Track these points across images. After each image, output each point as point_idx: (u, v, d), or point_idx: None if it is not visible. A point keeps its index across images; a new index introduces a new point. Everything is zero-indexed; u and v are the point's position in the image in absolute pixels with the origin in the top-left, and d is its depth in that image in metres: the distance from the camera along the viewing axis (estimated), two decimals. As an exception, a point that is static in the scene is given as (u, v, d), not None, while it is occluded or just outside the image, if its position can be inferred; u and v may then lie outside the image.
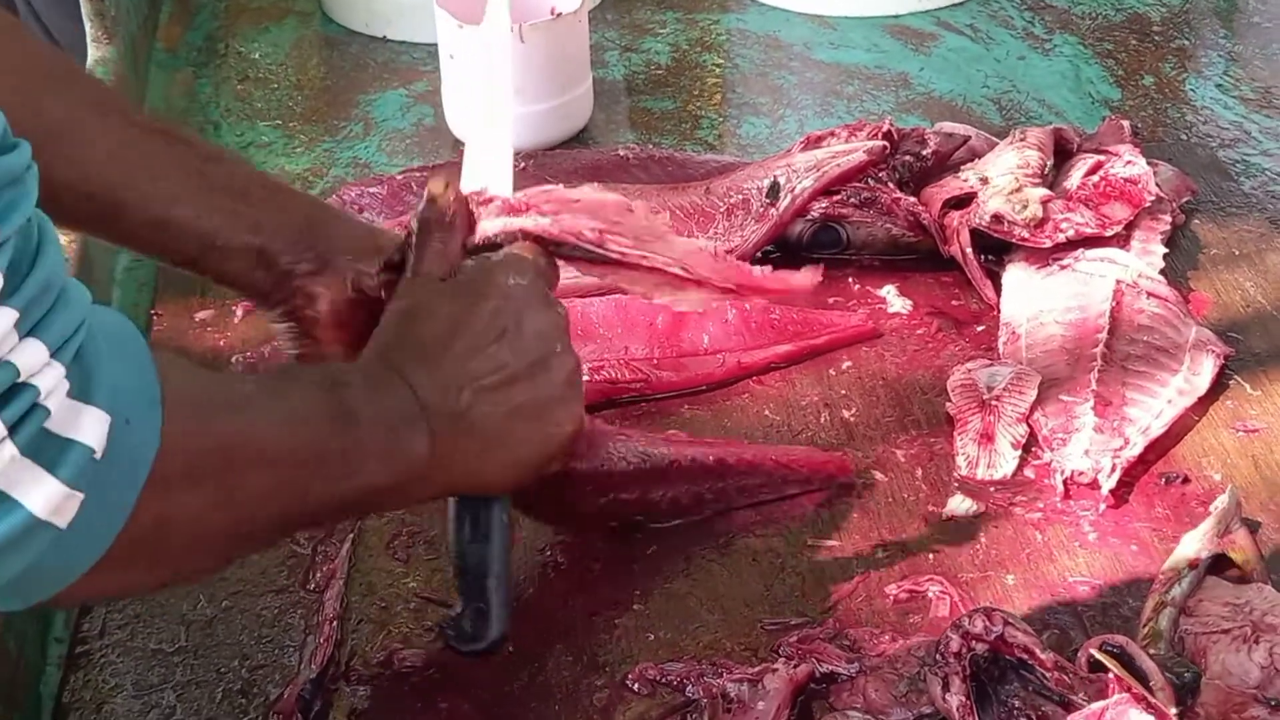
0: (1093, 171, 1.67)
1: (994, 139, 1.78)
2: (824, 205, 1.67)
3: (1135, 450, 1.39)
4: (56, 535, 0.78)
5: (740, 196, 1.69)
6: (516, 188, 1.71)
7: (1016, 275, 1.62)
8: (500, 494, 1.16)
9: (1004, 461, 1.39)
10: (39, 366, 0.76)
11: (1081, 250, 1.60)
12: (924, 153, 1.71)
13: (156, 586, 1.01)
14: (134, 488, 0.82)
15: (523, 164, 1.79)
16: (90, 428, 0.78)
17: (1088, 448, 1.38)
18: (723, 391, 1.52)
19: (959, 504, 1.36)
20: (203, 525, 0.90)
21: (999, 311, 1.59)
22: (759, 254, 1.69)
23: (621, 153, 1.81)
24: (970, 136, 1.76)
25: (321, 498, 0.98)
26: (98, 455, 0.78)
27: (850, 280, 1.67)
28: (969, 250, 1.62)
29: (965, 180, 1.68)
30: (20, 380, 0.75)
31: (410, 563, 1.32)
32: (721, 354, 1.53)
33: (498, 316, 1.11)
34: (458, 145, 1.98)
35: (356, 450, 0.99)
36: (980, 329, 1.59)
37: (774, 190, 1.67)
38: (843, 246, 1.69)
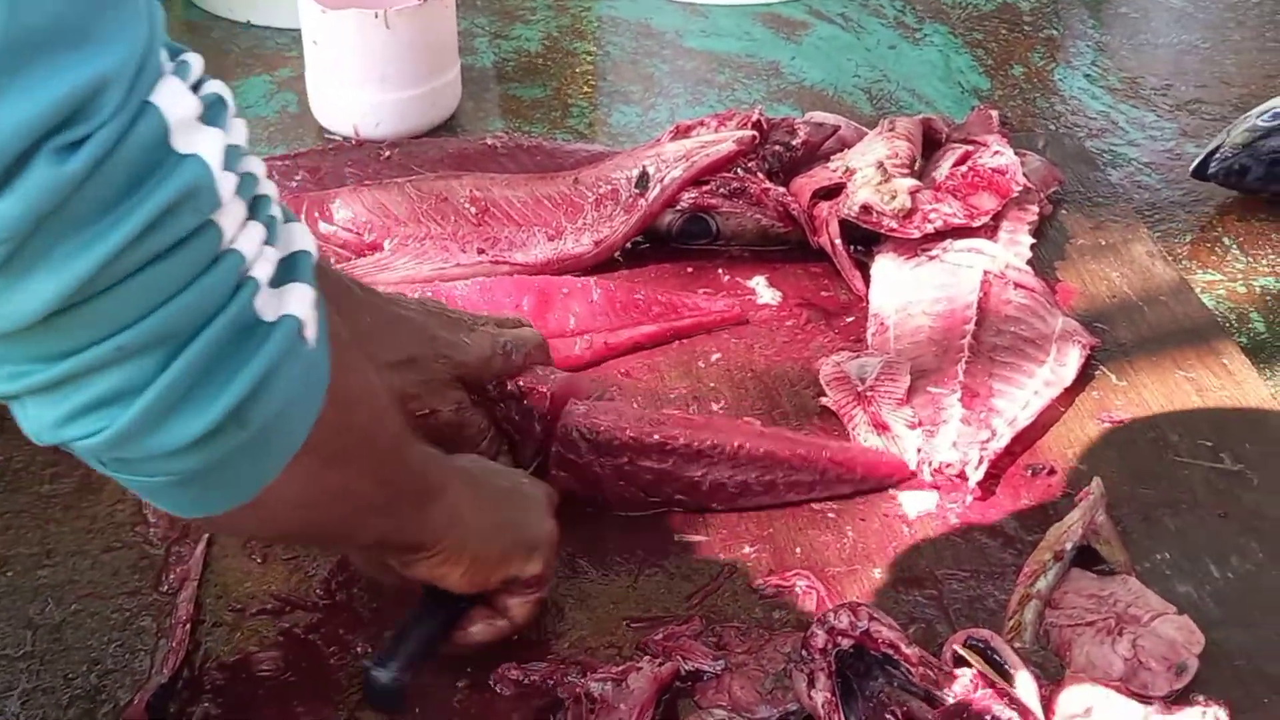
0: (961, 162, 1.67)
1: (864, 129, 1.77)
2: (693, 195, 1.66)
3: (1002, 442, 1.39)
4: (308, 354, 0.84)
5: (609, 187, 1.67)
6: (381, 177, 1.71)
7: (885, 266, 1.62)
8: (464, 593, 1.16)
9: (908, 444, 1.39)
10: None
11: (950, 241, 1.60)
12: (794, 142, 1.70)
13: (319, 505, 0.96)
14: (327, 333, 0.87)
15: (388, 152, 1.76)
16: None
17: (955, 439, 1.38)
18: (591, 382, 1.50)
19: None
20: (356, 447, 0.95)
21: (868, 302, 1.59)
22: (628, 245, 1.68)
23: (489, 141, 1.79)
24: (840, 126, 1.76)
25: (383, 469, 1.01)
26: (313, 278, 0.85)
27: (720, 271, 1.66)
28: (838, 241, 1.62)
29: (835, 170, 1.67)
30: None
31: (267, 563, 1.29)
32: (587, 334, 1.51)
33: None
34: (322, 133, 1.95)
35: (408, 429, 1.05)
36: (849, 320, 1.59)
37: (643, 180, 1.65)
38: (712, 237, 1.68)
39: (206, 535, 1.30)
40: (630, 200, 1.65)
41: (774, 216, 1.66)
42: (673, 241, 1.69)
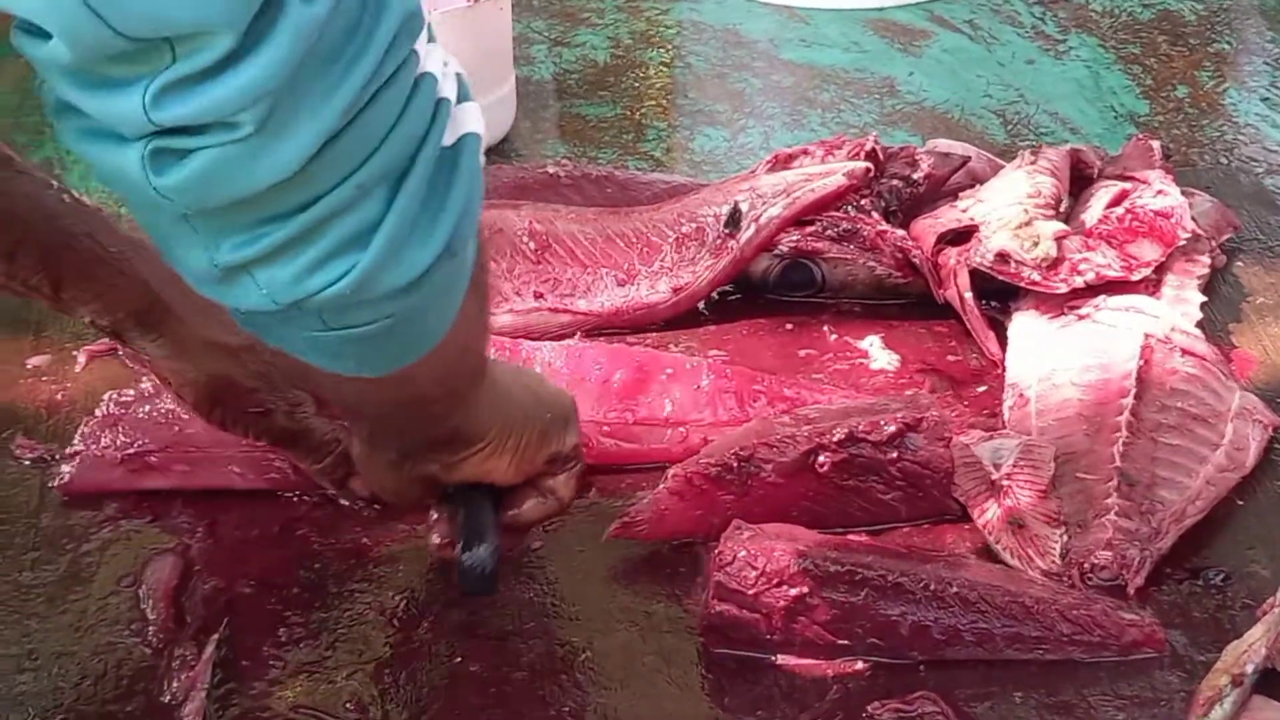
0: (1116, 202, 1.67)
1: (998, 160, 1.79)
2: (795, 238, 1.68)
3: (1167, 541, 1.39)
4: (481, 176, 0.99)
5: (693, 225, 1.68)
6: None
7: (1025, 326, 1.62)
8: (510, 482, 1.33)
9: (1052, 544, 1.39)
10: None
11: (1103, 297, 1.61)
12: (915, 176, 1.72)
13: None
14: None
15: (430, 182, 1.78)
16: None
17: (1110, 537, 1.38)
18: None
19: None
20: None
21: (1004, 370, 1.59)
22: (714, 294, 1.69)
23: (551, 169, 1.81)
24: (970, 157, 1.77)
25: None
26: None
27: (826, 329, 1.67)
28: (968, 295, 1.62)
29: (964, 211, 1.68)
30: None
31: (286, 670, 1.30)
32: (685, 426, 1.51)
33: None
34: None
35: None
36: (981, 390, 1.60)
37: (734, 218, 1.66)
38: (817, 288, 1.69)
39: (215, 636, 1.32)
40: (718, 242, 1.67)
41: (891, 264, 1.67)
42: (769, 292, 1.70)
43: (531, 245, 1.67)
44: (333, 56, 0.86)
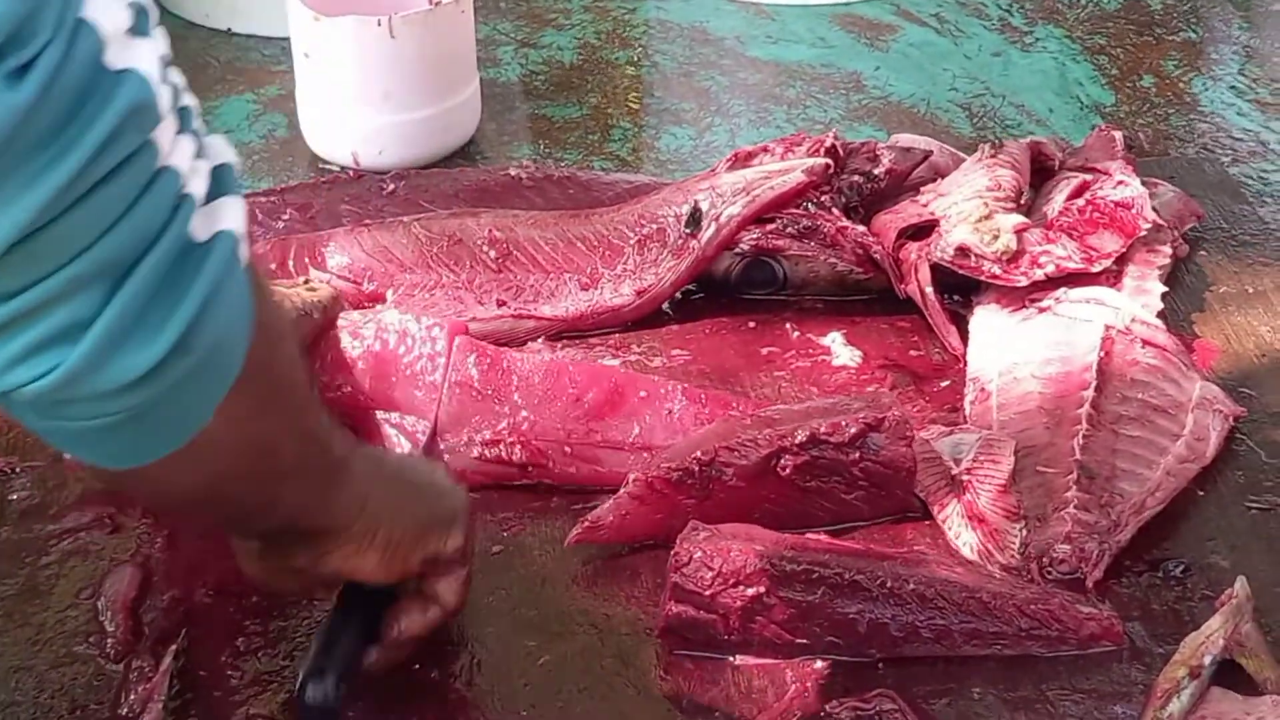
0: (1077, 194, 1.67)
1: (961, 155, 1.78)
2: (756, 236, 1.67)
3: (1127, 534, 1.39)
4: (242, 274, 0.93)
5: (654, 226, 1.68)
6: (384, 215, 1.73)
7: (986, 320, 1.62)
8: (380, 584, 1.25)
9: (1011, 539, 1.39)
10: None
11: (1064, 290, 1.61)
12: (876, 171, 1.71)
13: (233, 463, 1.05)
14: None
15: (392, 186, 1.79)
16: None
17: (1069, 531, 1.38)
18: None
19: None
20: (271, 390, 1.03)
21: (965, 364, 1.59)
22: (677, 294, 1.69)
23: (513, 172, 1.81)
24: (932, 151, 1.77)
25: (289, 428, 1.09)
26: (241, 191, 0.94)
27: (788, 327, 1.67)
28: (929, 290, 1.62)
29: (925, 205, 1.68)
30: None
31: (245, 678, 1.30)
32: (649, 452, 1.48)
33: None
34: (316, 163, 1.97)
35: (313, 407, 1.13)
36: (943, 385, 1.60)
37: (695, 218, 1.66)
38: (779, 285, 1.69)
39: (173, 647, 1.31)
40: (680, 242, 1.67)
41: (852, 260, 1.67)
42: (732, 291, 1.70)
43: (492, 254, 1.67)
44: (41, 144, 0.81)
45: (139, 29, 0.85)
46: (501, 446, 1.49)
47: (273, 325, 1.01)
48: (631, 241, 1.68)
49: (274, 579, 1.25)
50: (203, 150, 0.91)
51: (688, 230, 1.66)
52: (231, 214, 0.92)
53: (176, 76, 0.90)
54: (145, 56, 0.85)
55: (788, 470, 1.40)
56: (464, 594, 1.29)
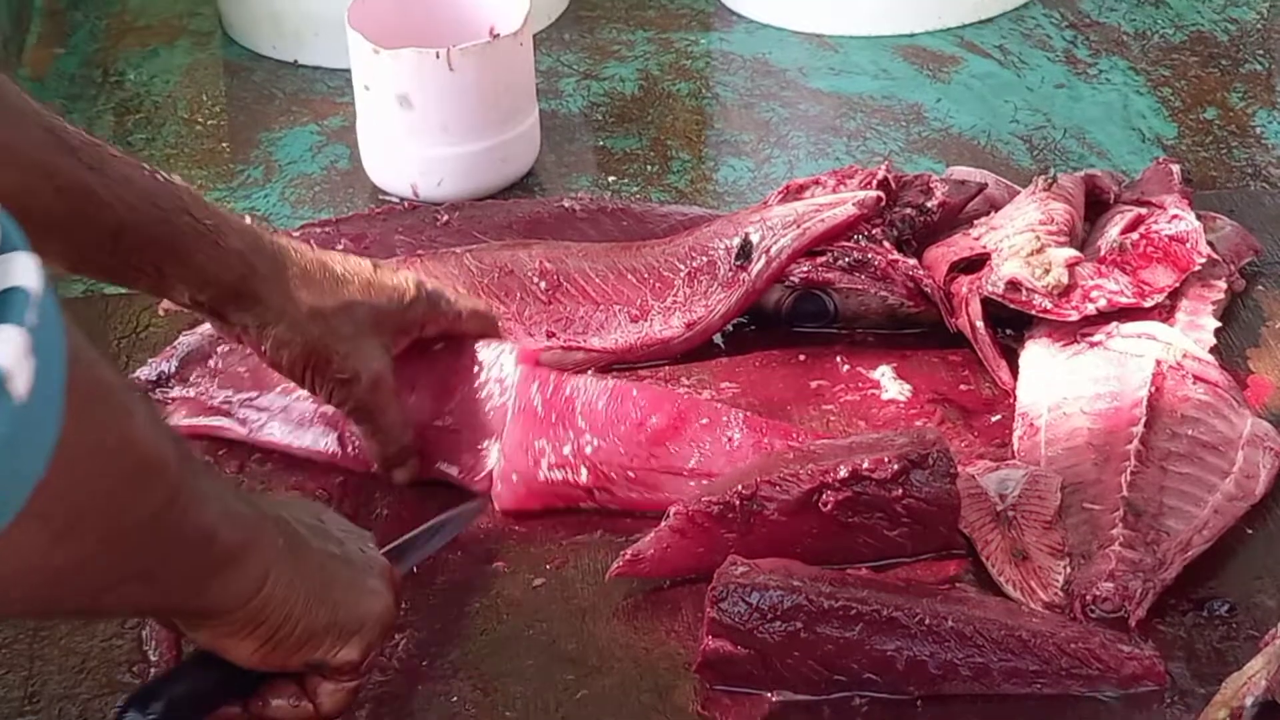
0: (1131, 228, 1.66)
1: (1016, 187, 1.77)
2: (806, 269, 1.67)
3: (1172, 572, 1.37)
4: (16, 410, 0.80)
5: (705, 258, 1.68)
6: (437, 245, 1.73)
7: (1037, 354, 1.61)
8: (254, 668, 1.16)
9: (1055, 576, 1.38)
10: None
11: (1116, 324, 1.60)
12: (929, 204, 1.70)
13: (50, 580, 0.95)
14: (58, 384, 0.84)
15: (445, 216, 1.79)
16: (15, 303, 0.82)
17: (1113, 568, 1.36)
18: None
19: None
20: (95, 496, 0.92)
21: (1015, 399, 1.58)
22: (728, 327, 1.69)
23: (567, 204, 1.81)
24: (986, 184, 1.76)
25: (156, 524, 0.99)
26: (31, 322, 0.82)
27: (838, 359, 1.66)
28: (980, 324, 1.61)
29: (977, 238, 1.67)
30: None
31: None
32: (708, 479, 1.48)
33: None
34: (376, 194, 1.98)
35: (195, 489, 1.02)
36: (993, 420, 1.59)
37: (745, 250, 1.66)
38: (830, 318, 1.69)
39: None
40: (730, 275, 1.66)
41: (903, 294, 1.66)
42: (782, 323, 1.69)
43: (542, 285, 1.67)
44: None
45: None
46: (568, 470, 1.49)
47: (93, 454, 0.90)
48: (682, 274, 1.68)
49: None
50: None
51: (738, 263, 1.66)
52: (3, 346, 0.80)
53: None
54: None
55: (829, 506, 1.39)
56: (344, 705, 1.20)
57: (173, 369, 1.61)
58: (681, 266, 1.68)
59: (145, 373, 1.61)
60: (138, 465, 0.95)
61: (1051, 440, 1.52)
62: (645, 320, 1.66)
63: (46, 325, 0.83)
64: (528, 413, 1.50)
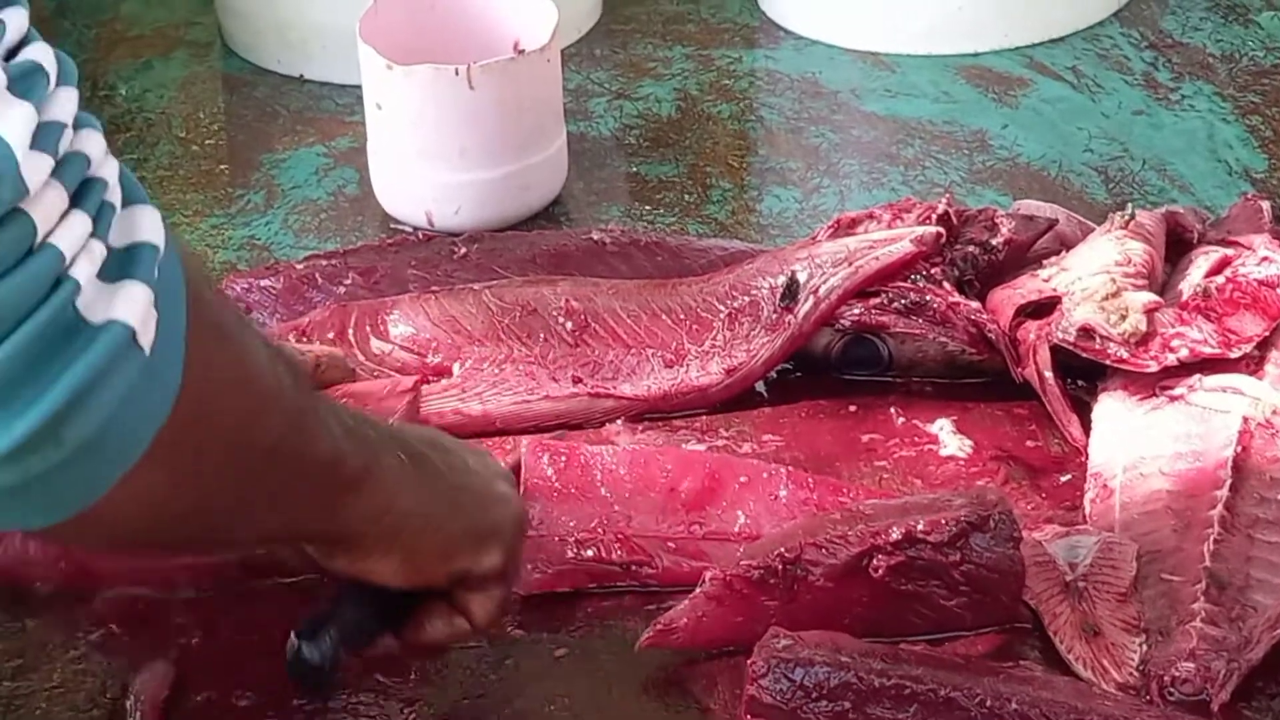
0: (1216, 271, 1.65)
1: (1091, 224, 1.77)
2: (858, 311, 1.66)
3: (1259, 651, 1.36)
4: (144, 362, 0.92)
5: (747, 298, 1.67)
6: (454, 281, 1.73)
7: (1112, 408, 1.61)
8: (401, 587, 1.26)
9: (1130, 654, 1.37)
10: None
11: (1199, 377, 1.59)
12: (994, 242, 1.70)
13: (181, 516, 1.06)
14: (180, 333, 0.96)
15: (463, 249, 1.79)
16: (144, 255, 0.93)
17: (1194, 647, 1.35)
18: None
19: None
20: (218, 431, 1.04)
21: (1087, 457, 1.57)
22: (771, 374, 1.68)
23: (596, 236, 1.81)
24: (1057, 220, 1.76)
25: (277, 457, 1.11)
26: (155, 274, 0.93)
27: (893, 411, 1.66)
28: (1049, 374, 1.61)
29: (1046, 280, 1.67)
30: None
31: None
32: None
33: None
34: (387, 223, 1.98)
35: (314, 415, 1.14)
36: (1063, 480, 1.58)
37: (791, 290, 1.65)
38: (883, 366, 1.69)
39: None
40: (774, 317, 1.66)
41: (964, 340, 1.66)
42: (831, 370, 1.69)
43: (568, 326, 1.67)
44: None
45: (22, 91, 0.86)
46: (598, 545, 1.49)
47: (214, 398, 1.01)
48: (721, 315, 1.67)
49: (286, 553, 1.34)
50: (106, 228, 0.90)
51: (783, 304, 1.66)
52: (131, 301, 0.91)
53: (87, 144, 0.90)
54: (12, 121, 0.85)
55: (880, 571, 1.38)
56: (498, 615, 1.31)
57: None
58: (721, 307, 1.68)
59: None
60: (256, 398, 1.07)
61: (1127, 504, 1.51)
62: (681, 365, 1.66)
63: (169, 277, 0.94)
64: (544, 490, 1.50)
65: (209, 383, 0.99)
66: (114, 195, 0.92)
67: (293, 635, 1.24)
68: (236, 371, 1.04)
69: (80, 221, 0.89)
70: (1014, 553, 1.40)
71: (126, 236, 0.92)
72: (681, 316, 1.68)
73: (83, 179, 0.90)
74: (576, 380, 1.65)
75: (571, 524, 1.49)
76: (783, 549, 1.40)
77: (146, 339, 0.92)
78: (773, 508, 1.50)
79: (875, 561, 1.39)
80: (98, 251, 0.90)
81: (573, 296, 1.68)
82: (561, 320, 1.67)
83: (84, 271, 0.89)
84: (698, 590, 1.40)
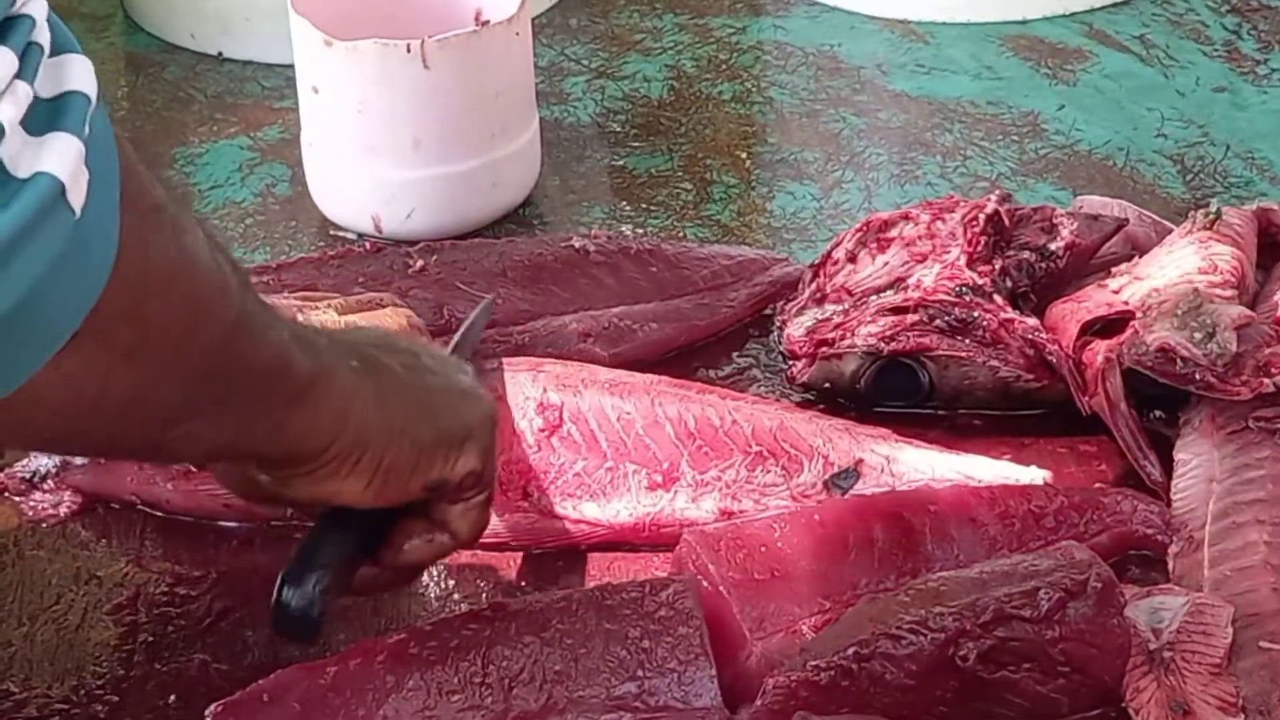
0: (1319, 279, 1.67)
1: (1168, 224, 1.78)
2: (893, 330, 1.67)
3: (1376, 733, 1.37)
4: (74, 224, 0.94)
5: (793, 450, 1.61)
6: (409, 298, 1.74)
7: (1197, 444, 1.62)
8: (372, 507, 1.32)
9: None
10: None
11: (1299, 406, 1.60)
12: (1053, 247, 1.71)
13: (115, 410, 1.10)
14: (114, 196, 0.99)
15: (419, 261, 1.79)
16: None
17: (1301, 728, 1.36)
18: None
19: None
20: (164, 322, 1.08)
21: (1169, 503, 1.58)
22: (793, 398, 1.71)
23: (576, 244, 1.81)
24: (1128, 220, 1.77)
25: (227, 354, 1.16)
26: (86, 129, 0.95)
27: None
28: (1122, 404, 1.62)
29: (1116, 292, 1.67)
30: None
31: None
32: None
33: None
34: (326, 229, 1.98)
35: (260, 315, 1.19)
36: (1140, 529, 1.59)
37: (845, 478, 1.59)
38: (923, 396, 1.70)
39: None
40: (812, 489, 1.60)
41: (1020, 364, 1.66)
42: (863, 402, 1.70)
43: (538, 424, 1.59)
44: None
45: None
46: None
47: (153, 274, 1.05)
48: (750, 452, 1.60)
49: (237, 488, 1.35)
50: (31, 72, 0.92)
51: (832, 485, 1.60)
52: (60, 155, 0.93)
53: None
54: None
55: (970, 660, 1.37)
56: (480, 523, 1.39)
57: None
58: (755, 446, 1.60)
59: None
60: (199, 286, 1.10)
61: (1217, 558, 1.51)
62: (667, 491, 1.59)
63: (100, 135, 0.97)
64: (738, 587, 1.46)
65: (146, 261, 1.03)
66: (42, 36, 0.93)
67: (279, 580, 1.29)
68: (177, 252, 1.07)
69: (5, 60, 0.90)
70: (1119, 620, 1.39)
71: (56, 85, 0.94)
72: (693, 432, 1.60)
73: (5, 15, 0.91)
74: (524, 494, 1.58)
75: (775, 611, 1.45)
76: (855, 644, 1.36)
77: (77, 198, 0.94)
78: (978, 532, 1.52)
79: (964, 649, 1.37)
80: (23, 94, 0.91)
81: (554, 385, 1.61)
82: (532, 416, 1.59)
83: (7, 114, 0.90)
84: (758, 703, 1.35)
